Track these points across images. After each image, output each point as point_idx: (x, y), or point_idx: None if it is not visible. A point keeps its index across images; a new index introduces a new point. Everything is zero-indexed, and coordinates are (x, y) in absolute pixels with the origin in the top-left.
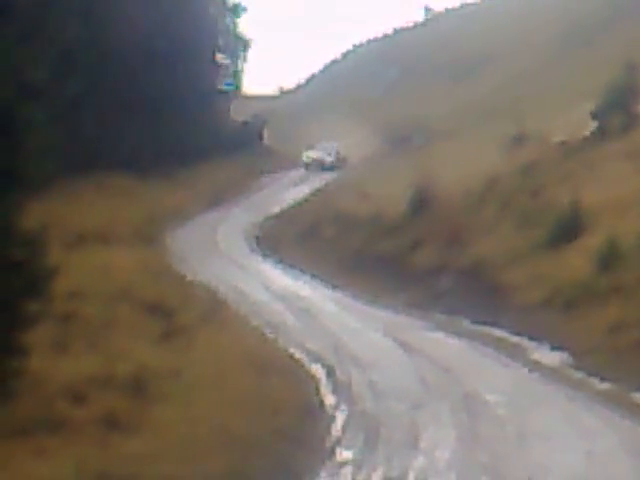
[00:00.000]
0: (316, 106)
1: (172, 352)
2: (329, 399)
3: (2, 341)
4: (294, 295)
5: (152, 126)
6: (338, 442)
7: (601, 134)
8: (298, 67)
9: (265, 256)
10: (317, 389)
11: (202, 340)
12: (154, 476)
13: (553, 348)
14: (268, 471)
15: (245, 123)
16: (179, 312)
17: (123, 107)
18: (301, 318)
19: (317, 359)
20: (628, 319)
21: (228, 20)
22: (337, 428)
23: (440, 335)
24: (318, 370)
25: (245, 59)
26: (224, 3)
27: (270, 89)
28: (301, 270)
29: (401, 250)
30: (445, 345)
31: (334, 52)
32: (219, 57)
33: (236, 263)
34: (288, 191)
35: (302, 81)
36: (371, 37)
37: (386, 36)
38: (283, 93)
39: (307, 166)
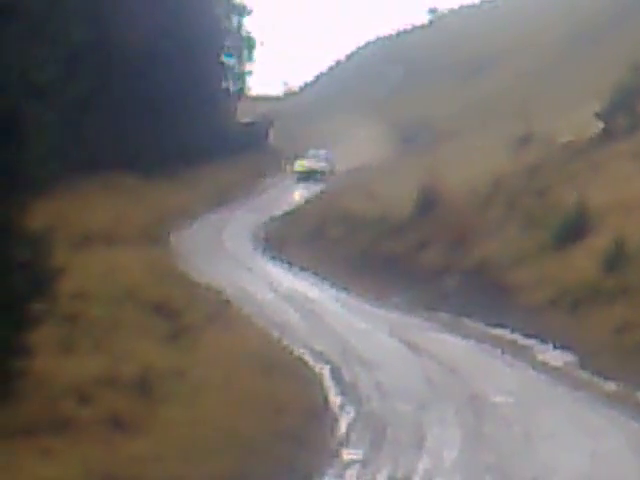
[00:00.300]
0: (322, 107)
1: (178, 352)
2: (335, 400)
3: (7, 341)
4: (300, 295)
5: (158, 127)
6: (344, 443)
7: (607, 135)
8: (304, 68)
9: (271, 256)
10: (323, 389)
11: (208, 340)
12: (159, 477)
13: (559, 348)
14: (273, 472)
15: (251, 123)
16: (185, 312)
17: (129, 108)
18: (307, 318)
19: (323, 359)
20: (634, 319)
21: (234, 21)
22: (343, 429)
23: (446, 335)
24: (324, 370)
25: (251, 60)
26: (230, 4)
27: (276, 90)
28: (307, 270)
29: (407, 250)
30: (451, 345)
31: (340, 53)
32: (225, 58)
33: (242, 263)
34: (294, 191)
35: (308, 82)
36: (376, 38)
37: (391, 36)
38: (289, 94)
39: (299, 176)
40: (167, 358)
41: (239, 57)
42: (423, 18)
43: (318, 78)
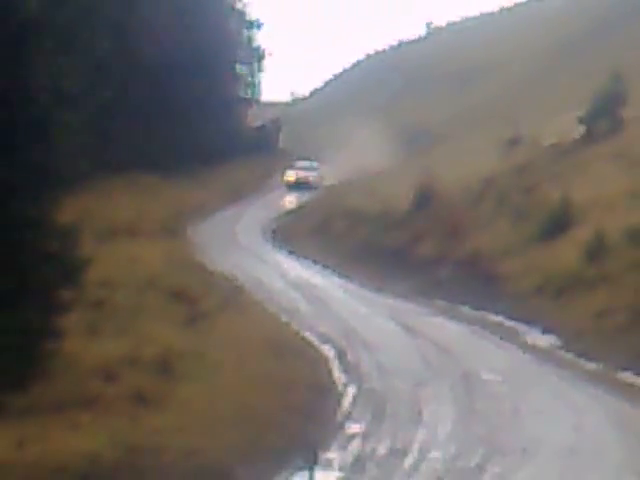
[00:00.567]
0: (327, 112)
1: (195, 335)
2: (339, 378)
3: (39, 325)
4: (307, 283)
5: (176, 130)
6: (348, 417)
7: (589, 137)
8: (311, 76)
9: (280, 248)
10: (328, 369)
11: (222, 324)
12: (179, 448)
13: (545, 332)
14: (283, 442)
15: (261, 127)
16: (201, 299)
17: (150, 113)
18: (313, 304)
19: (328, 341)
20: (613, 305)
21: (245, 34)
22: (347, 404)
23: (441, 320)
24: (329, 351)
25: (261, 69)
26: (243, 18)
27: (284, 96)
28: (313, 261)
29: (405, 243)
30: (445, 329)
31: (344, 62)
32: (237, 68)
33: (253, 254)
34: (301, 189)
35: (314, 89)
36: (377, 49)
37: (391, 48)
38: (297, 100)
39: (290, 186)
40: (185, 340)
41: (250, 67)
42: (420, 31)
43: (324, 86)
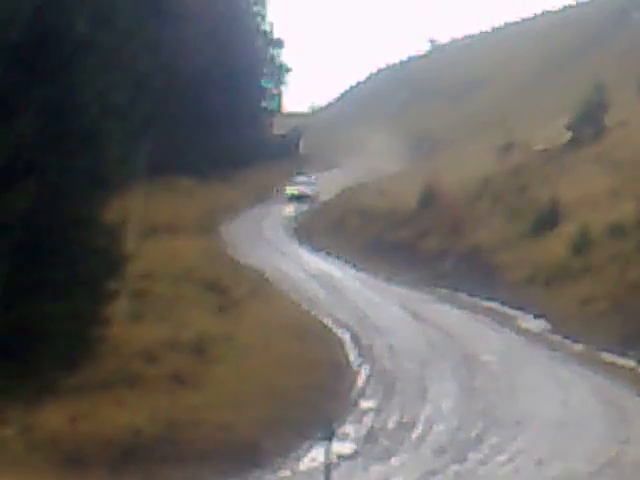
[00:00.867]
0: (343, 121)
1: (227, 322)
2: (354, 359)
3: (88, 313)
4: (325, 274)
5: (209, 139)
6: (361, 394)
7: (575, 142)
8: (327, 89)
9: (301, 243)
10: (344, 351)
11: (251, 312)
12: (212, 423)
13: (536, 317)
14: (305, 416)
15: (284, 136)
16: (232, 289)
17: (186, 123)
18: (331, 293)
19: (344, 326)
20: (597, 293)
21: (270, 52)
22: (361, 382)
23: (444, 307)
24: (345, 335)
25: (284, 83)
26: (268, 38)
27: (304, 107)
28: (330, 254)
29: (412, 238)
30: (448, 315)
31: (357, 76)
32: (263, 82)
33: (277, 249)
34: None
35: (331, 100)
36: (386, 64)
37: (398, 63)
38: (315, 111)
39: (290, 199)
40: (218, 326)
41: (274, 81)
42: (424, 48)
43: (339, 98)
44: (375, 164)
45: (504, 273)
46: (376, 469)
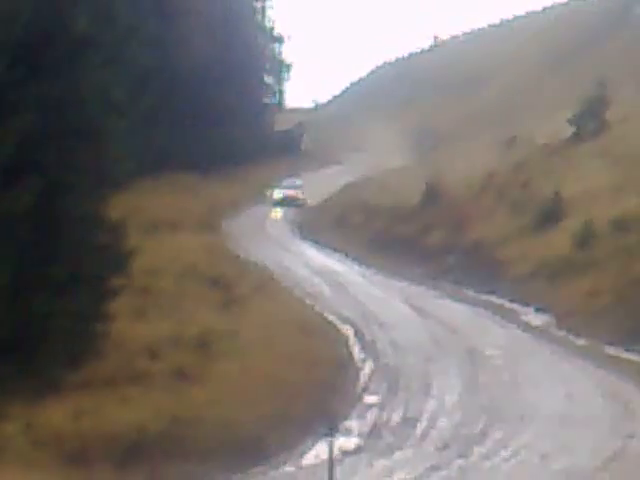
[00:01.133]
0: (345, 117)
1: (230, 317)
2: (358, 354)
3: (92, 309)
4: (329, 270)
5: (211, 135)
6: (365, 389)
7: (577, 137)
8: (330, 84)
9: (304, 239)
10: (348, 346)
11: (254, 307)
12: (216, 419)
13: (539, 311)
14: (309, 412)
15: (287, 131)
16: (235, 285)
17: (188, 119)
18: (334, 289)
19: (348, 322)
20: (600, 287)
21: (272, 48)
22: (364, 378)
23: (448, 302)
24: (349, 331)
25: (286, 79)
26: (269, 34)
27: (307, 103)
28: (334, 250)
29: (415, 233)
30: (452, 310)
31: (359, 72)
32: (264, 78)
33: (281, 245)
34: (323, 185)
35: (333, 96)
36: (389, 60)
37: (401, 59)
38: (318, 106)
39: (277, 204)
40: (221, 322)
41: (276, 77)
42: (427, 44)
43: (342, 93)
44: (378, 159)
45: (508, 268)
46: (380, 464)
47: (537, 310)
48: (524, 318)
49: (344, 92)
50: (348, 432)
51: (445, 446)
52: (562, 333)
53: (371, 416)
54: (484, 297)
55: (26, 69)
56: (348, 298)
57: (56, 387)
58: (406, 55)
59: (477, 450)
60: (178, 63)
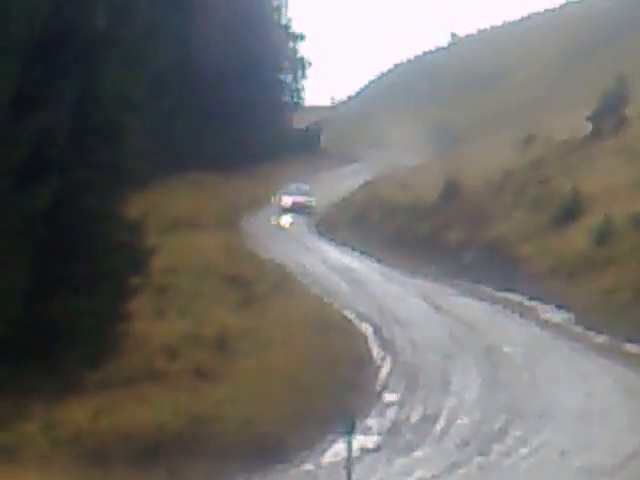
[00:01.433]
0: (364, 115)
1: (249, 316)
2: (377, 352)
3: (111, 309)
4: (347, 268)
5: (229, 133)
6: (384, 387)
7: (596, 134)
8: (348, 82)
9: (322, 237)
10: (367, 344)
11: (273, 306)
12: (235, 418)
13: (558, 308)
14: (328, 410)
15: (305, 129)
16: (254, 283)
17: (207, 117)
18: (352, 286)
19: (366, 319)
20: (620, 284)
21: (290, 46)
22: (383, 376)
23: (466, 299)
24: (367, 328)
25: (304, 77)
26: (287, 32)
27: (325, 101)
28: (352, 248)
29: (433, 230)
30: (470, 307)
31: (378, 69)
32: (283, 76)
33: (299, 242)
34: (341, 183)
35: (352, 95)
36: (407, 57)
37: (420, 56)
38: (336, 104)
39: (285, 210)
40: (240, 320)
41: (294, 75)
42: (445, 40)
43: (360, 91)
44: (397, 157)
45: (526, 265)
46: (400, 462)
47: (556, 307)
48: (543, 315)
49: (362, 90)
50: (367, 430)
51: (464, 444)
52: (581, 330)
53: (390, 414)
54: (502, 294)
55: (45, 67)
56: (366, 296)
57: (76, 387)
58: (425, 52)
59: (497, 448)
60: (197, 61)
